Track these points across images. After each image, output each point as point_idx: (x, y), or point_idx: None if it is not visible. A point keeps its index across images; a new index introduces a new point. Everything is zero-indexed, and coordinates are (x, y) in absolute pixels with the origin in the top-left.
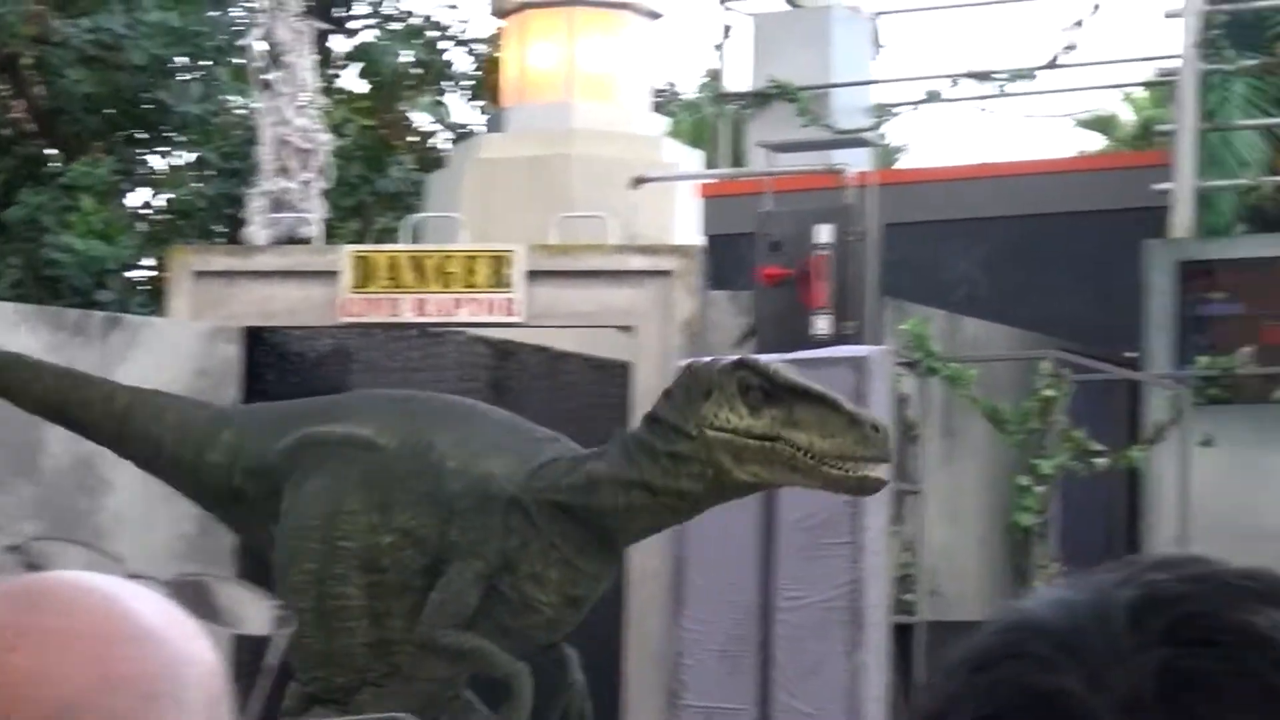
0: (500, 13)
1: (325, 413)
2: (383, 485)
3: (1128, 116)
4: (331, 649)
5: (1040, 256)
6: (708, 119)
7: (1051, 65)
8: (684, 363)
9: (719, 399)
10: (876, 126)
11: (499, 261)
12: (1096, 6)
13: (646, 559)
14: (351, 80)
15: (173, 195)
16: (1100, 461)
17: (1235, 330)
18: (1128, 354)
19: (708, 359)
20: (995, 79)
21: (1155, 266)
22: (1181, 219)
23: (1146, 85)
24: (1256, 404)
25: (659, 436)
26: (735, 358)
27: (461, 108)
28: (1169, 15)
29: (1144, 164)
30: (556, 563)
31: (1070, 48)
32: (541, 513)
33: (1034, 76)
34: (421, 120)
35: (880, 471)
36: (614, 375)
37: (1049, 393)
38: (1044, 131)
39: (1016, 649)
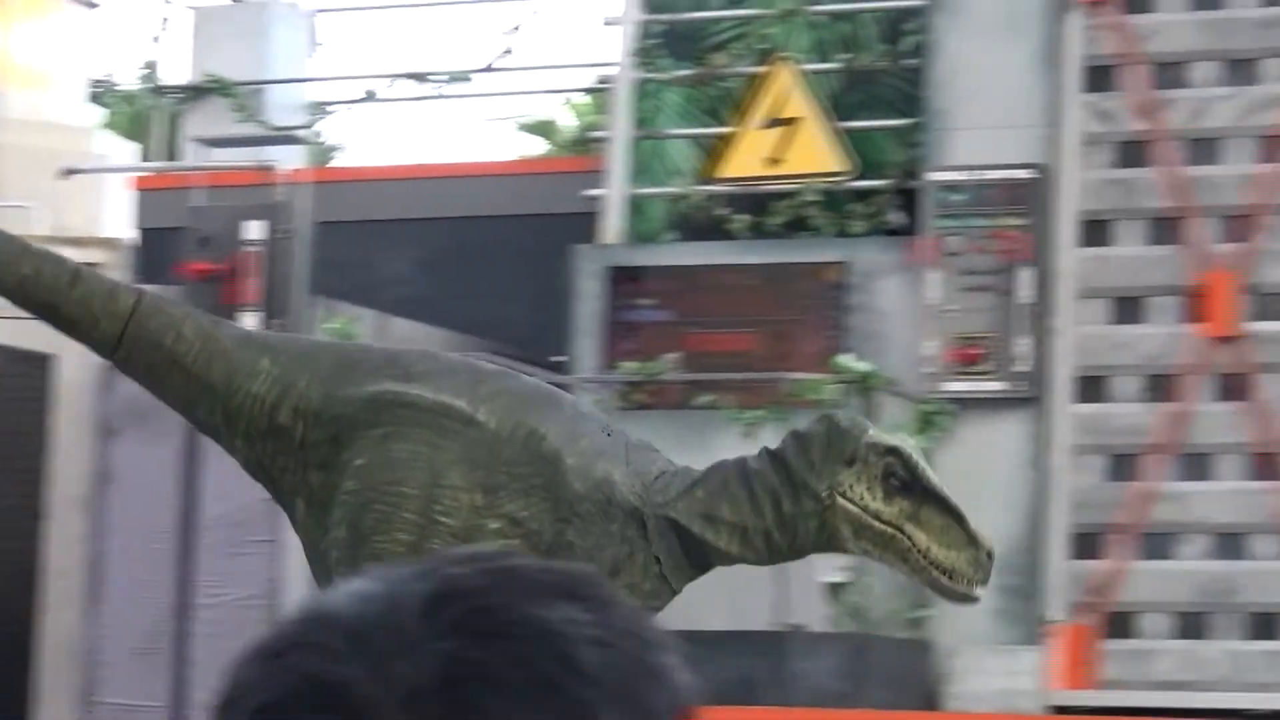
0: None
1: (392, 366)
2: (487, 466)
3: (568, 122)
4: None
5: (476, 259)
6: (144, 111)
7: (489, 69)
8: (831, 413)
9: (860, 472)
10: (311, 124)
11: None
12: (535, 11)
13: (62, 553)
14: None
15: None
16: None
17: (661, 336)
18: (557, 358)
19: (852, 421)
20: (433, 80)
21: (584, 271)
22: (612, 225)
23: (585, 91)
24: (679, 410)
25: (789, 490)
26: (888, 440)
27: None
28: (607, 23)
29: (580, 169)
30: (653, 577)
31: (508, 52)
32: (657, 527)
33: (470, 79)
34: None
35: (967, 588)
36: (35, 367)
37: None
38: (486, 135)
39: (306, 638)
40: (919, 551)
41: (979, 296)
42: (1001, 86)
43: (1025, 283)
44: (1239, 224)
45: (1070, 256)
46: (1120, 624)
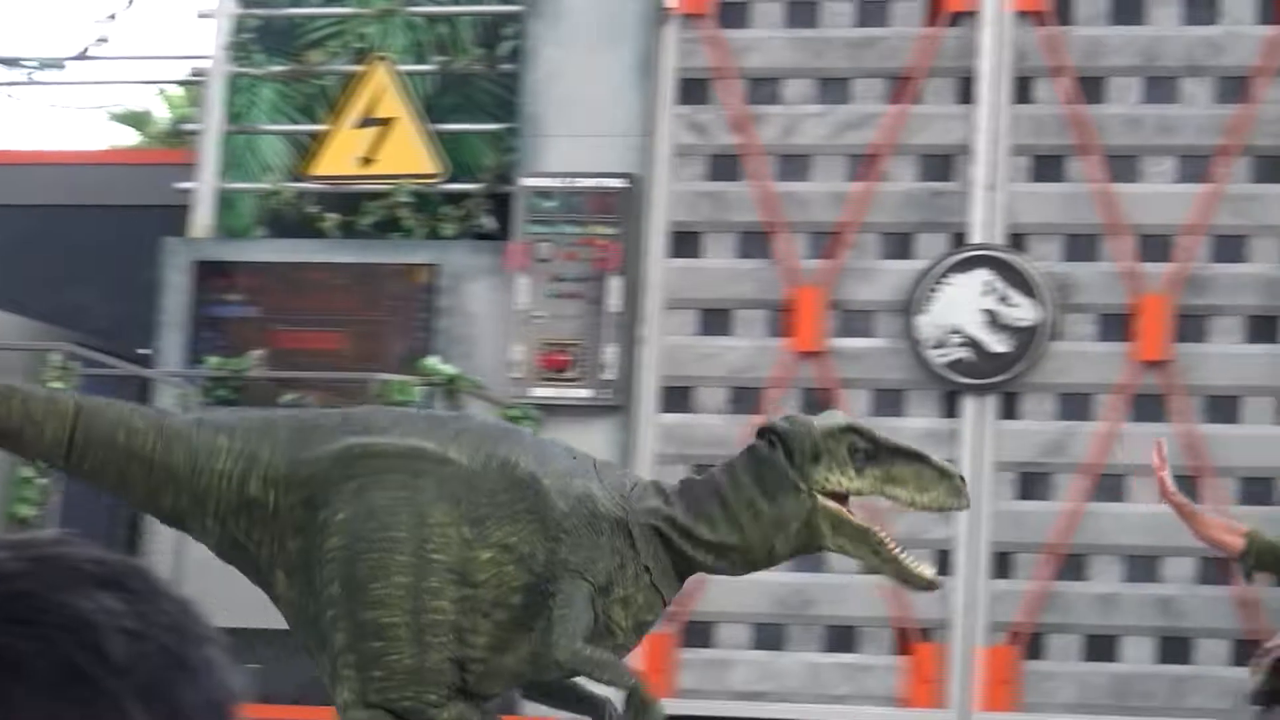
0: None
1: (349, 424)
2: (469, 500)
3: (162, 114)
4: (424, 665)
5: (63, 249)
6: None
7: (83, 57)
8: (773, 421)
9: (829, 463)
10: None
11: None
12: (131, 1)
13: None
14: None
15: None
16: None
17: (249, 333)
18: (143, 350)
19: (790, 420)
20: (24, 66)
21: (171, 265)
22: (202, 219)
23: (179, 84)
24: (266, 406)
25: (765, 495)
26: (839, 422)
27: None
28: (202, 16)
29: (172, 162)
30: (645, 587)
31: (103, 40)
32: (642, 536)
33: (64, 66)
34: None
35: (931, 574)
36: None
37: (57, 385)
38: (79, 123)
39: None
40: (888, 542)
41: (568, 303)
42: (596, 95)
43: (614, 291)
44: (827, 240)
45: (660, 267)
46: (698, 634)
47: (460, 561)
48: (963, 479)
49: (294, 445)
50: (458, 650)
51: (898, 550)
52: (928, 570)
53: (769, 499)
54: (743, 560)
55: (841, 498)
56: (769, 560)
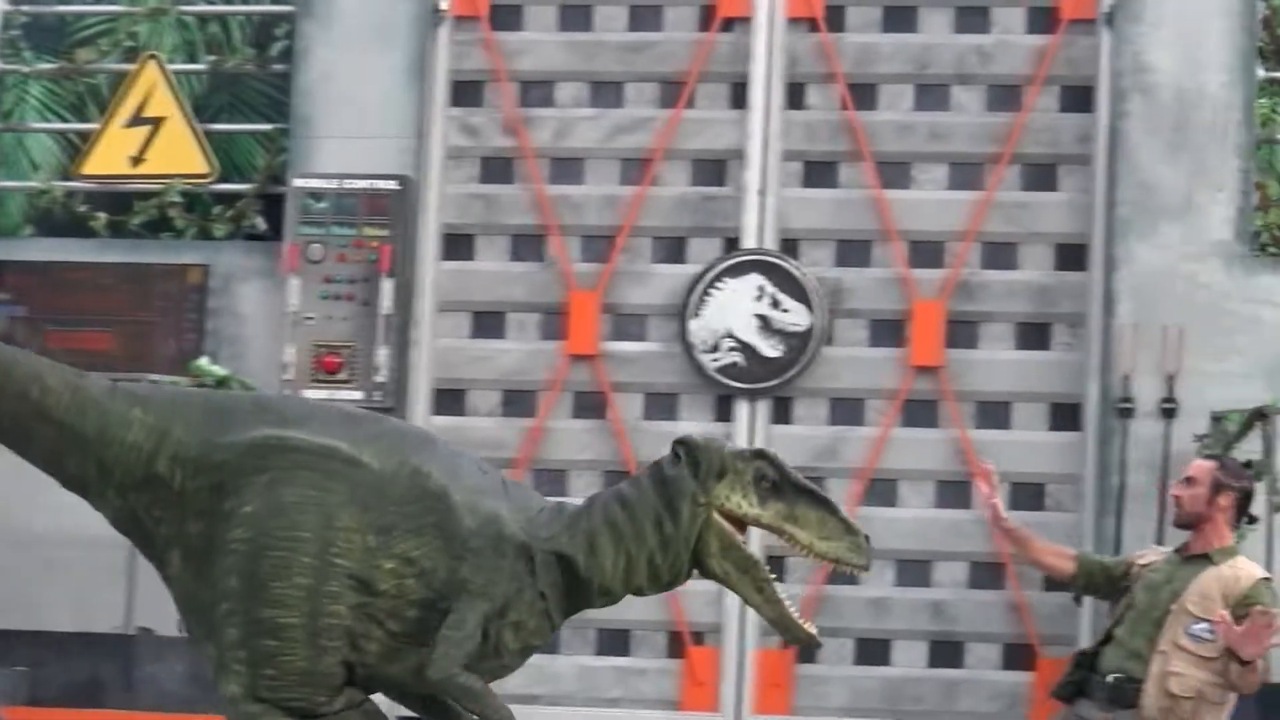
0: None
1: (265, 412)
2: (377, 507)
3: None
4: (317, 668)
5: None
6: None
7: None
8: (687, 435)
9: (733, 482)
10: None
11: None
12: None
13: None
14: None
15: None
16: None
17: (18, 333)
18: None
19: (704, 438)
20: None
21: None
22: None
23: None
24: None
25: (666, 508)
26: (749, 448)
27: None
28: None
29: None
30: (539, 613)
31: None
32: (543, 562)
33: None
34: None
35: (813, 630)
36: None
37: None
38: None
39: None
40: (803, 547)
41: (340, 305)
42: (368, 97)
43: (387, 293)
44: (600, 244)
45: (432, 269)
46: None
47: (362, 569)
48: (867, 538)
49: (208, 427)
50: (349, 654)
51: (782, 595)
52: (810, 626)
53: (671, 512)
54: (648, 576)
55: (740, 526)
56: (672, 575)
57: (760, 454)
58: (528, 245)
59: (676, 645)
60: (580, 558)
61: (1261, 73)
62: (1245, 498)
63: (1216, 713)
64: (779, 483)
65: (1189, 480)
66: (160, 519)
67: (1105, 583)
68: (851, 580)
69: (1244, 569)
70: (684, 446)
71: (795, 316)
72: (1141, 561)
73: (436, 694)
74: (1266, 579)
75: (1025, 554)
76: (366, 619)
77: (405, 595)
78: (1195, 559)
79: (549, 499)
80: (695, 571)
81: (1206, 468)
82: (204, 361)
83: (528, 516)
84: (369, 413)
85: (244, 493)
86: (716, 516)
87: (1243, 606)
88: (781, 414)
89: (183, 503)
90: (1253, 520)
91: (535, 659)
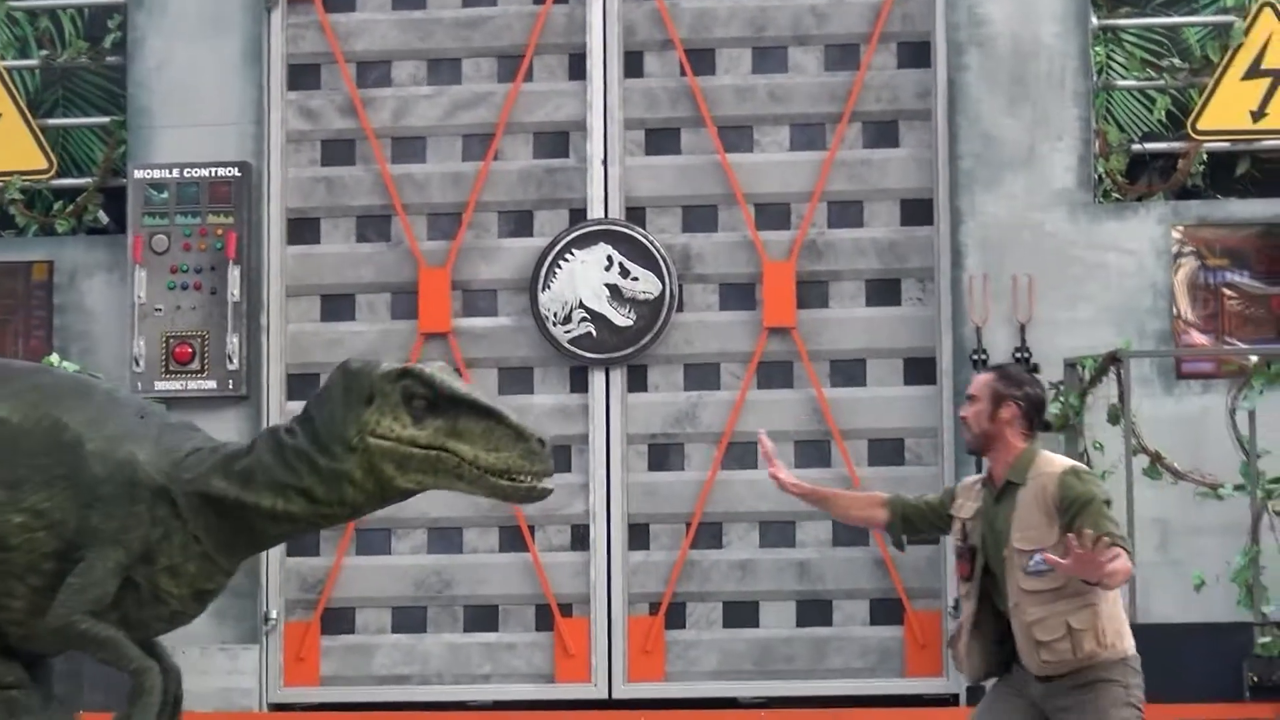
0: None
1: None
2: (10, 462)
3: None
4: None
5: None
6: None
7: None
8: (340, 363)
9: (381, 406)
10: None
11: None
12: None
13: None
14: None
15: None
16: None
17: None
18: None
19: (363, 361)
20: None
21: None
22: None
23: None
24: None
25: (318, 447)
26: (398, 365)
27: None
28: None
29: None
30: (196, 556)
31: None
32: (189, 505)
33: None
34: None
35: (547, 483)
36: None
37: None
38: None
39: None
40: (468, 463)
41: (188, 295)
42: (205, 84)
43: (234, 281)
44: (446, 221)
45: (278, 254)
46: (338, 620)
47: None
48: (543, 442)
49: None
50: None
51: (480, 469)
52: (529, 479)
53: (320, 446)
54: (319, 513)
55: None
56: (350, 511)
57: (406, 372)
58: (373, 226)
59: (545, 618)
60: (231, 496)
61: (1095, 21)
62: (1032, 405)
63: (1093, 624)
64: (434, 399)
65: (970, 398)
66: None
67: (927, 522)
68: (717, 544)
69: (1045, 473)
70: (339, 372)
71: (645, 284)
72: (962, 514)
73: (64, 646)
74: (1070, 470)
75: (832, 512)
76: (6, 575)
77: (38, 549)
78: (1004, 492)
79: (217, 442)
80: (386, 500)
81: (983, 380)
82: (54, 358)
83: (173, 460)
84: (28, 365)
85: None
86: (373, 441)
87: (1066, 514)
88: (637, 382)
89: None
90: (1046, 428)
91: (402, 639)
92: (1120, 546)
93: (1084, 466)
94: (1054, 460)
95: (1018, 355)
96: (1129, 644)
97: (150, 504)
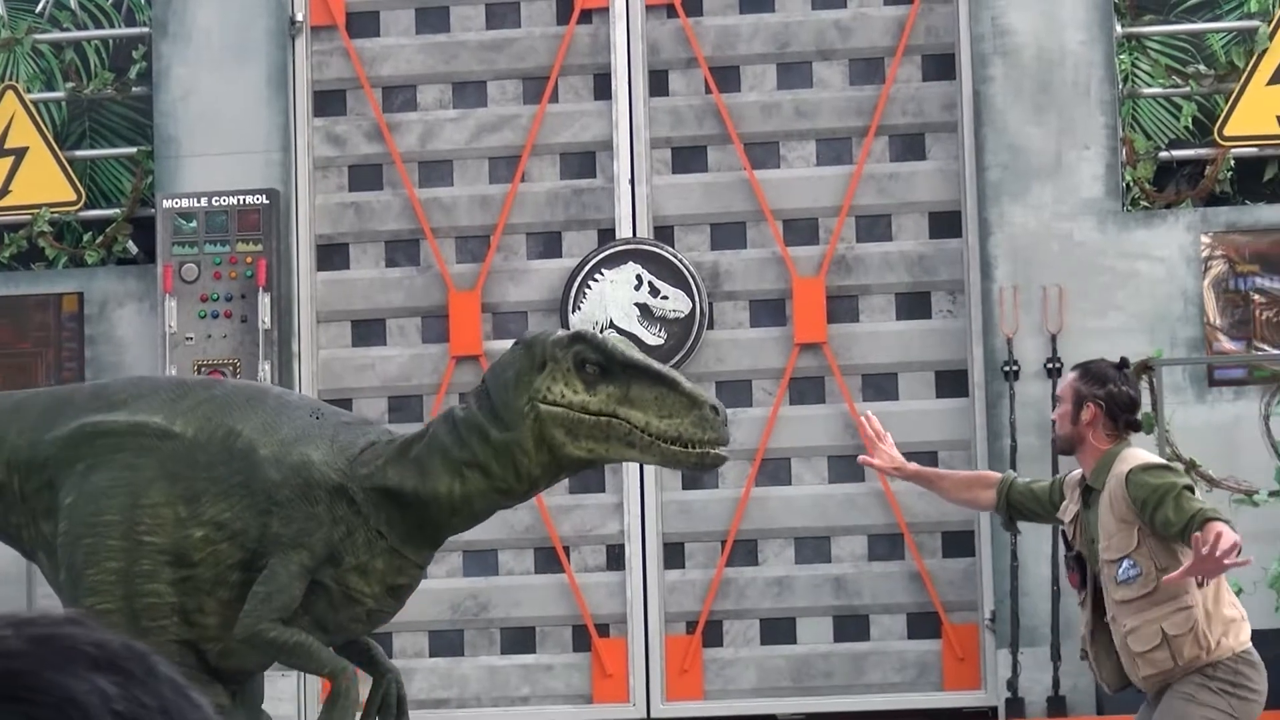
0: None
1: (95, 399)
2: (188, 476)
3: None
4: None
5: None
6: None
7: None
8: (524, 334)
9: (554, 372)
10: None
11: None
12: None
13: None
14: None
15: None
16: None
17: None
18: None
19: (541, 332)
20: None
21: None
22: None
23: None
24: None
25: (491, 416)
26: (571, 331)
27: None
28: None
29: None
30: (382, 552)
31: None
32: (369, 500)
33: None
34: None
35: (721, 451)
36: None
37: None
38: None
39: None
40: (640, 430)
41: (219, 323)
42: (231, 113)
43: (265, 308)
44: (475, 244)
45: (308, 281)
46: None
47: (174, 542)
48: (716, 409)
49: (40, 425)
50: (185, 632)
51: (653, 437)
52: (701, 449)
53: (493, 417)
54: (495, 489)
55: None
56: (527, 486)
57: (579, 337)
58: (402, 250)
59: (583, 639)
60: (409, 486)
61: (1119, 28)
62: (1116, 404)
63: (1191, 627)
64: (606, 365)
65: (1058, 399)
66: (19, 525)
67: (1032, 511)
68: (752, 562)
69: (1115, 474)
70: (519, 344)
71: (675, 303)
72: (1065, 518)
73: (257, 657)
74: (1138, 467)
75: (941, 494)
76: (194, 591)
77: (223, 561)
78: (1090, 497)
79: (390, 433)
80: (562, 471)
81: (1068, 380)
82: None
83: (349, 456)
84: (204, 379)
85: (66, 485)
86: (544, 407)
87: (1144, 512)
88: None
89: (28, 506)
90: (1136, 428)
91: (440, 662)
92: (1214, 519)
93: (1155, 459)
94: (1127, 458)
95: (1050, 366)
96: (1237, 638)
97: (329, 504)
